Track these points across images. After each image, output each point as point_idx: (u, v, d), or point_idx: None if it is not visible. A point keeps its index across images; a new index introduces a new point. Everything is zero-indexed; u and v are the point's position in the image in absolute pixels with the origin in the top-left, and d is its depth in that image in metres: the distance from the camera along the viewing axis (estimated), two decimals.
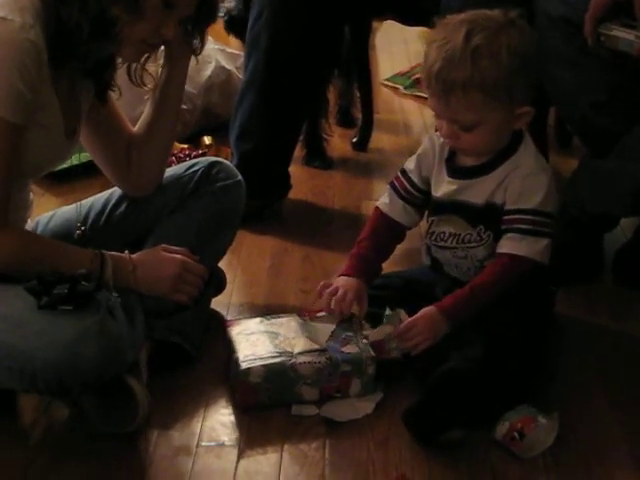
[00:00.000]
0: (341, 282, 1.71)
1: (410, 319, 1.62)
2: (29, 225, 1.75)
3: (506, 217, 1.63)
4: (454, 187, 1.68)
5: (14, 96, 1.45)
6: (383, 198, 1.80)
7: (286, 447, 1.53)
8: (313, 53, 2.31)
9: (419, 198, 1.76)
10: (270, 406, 1.62)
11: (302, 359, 1.62)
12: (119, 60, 1.66)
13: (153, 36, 1.58)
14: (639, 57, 1.70)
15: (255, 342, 1.67)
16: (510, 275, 1.63)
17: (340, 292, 1.69)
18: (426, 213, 1.77)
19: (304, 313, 1.77)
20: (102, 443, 1.53)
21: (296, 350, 1.64)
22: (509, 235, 1.62)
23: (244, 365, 1.61)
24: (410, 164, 1.77)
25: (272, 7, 2.25)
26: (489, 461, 1.50)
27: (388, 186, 1.80)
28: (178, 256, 1.71)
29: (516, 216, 1.62)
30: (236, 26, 2.58)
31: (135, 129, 1.79)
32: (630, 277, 2.06)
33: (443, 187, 1.70)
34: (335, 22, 2.38)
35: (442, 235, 1.71)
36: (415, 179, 1.76)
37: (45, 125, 1.56)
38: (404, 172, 1.77)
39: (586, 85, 1.88)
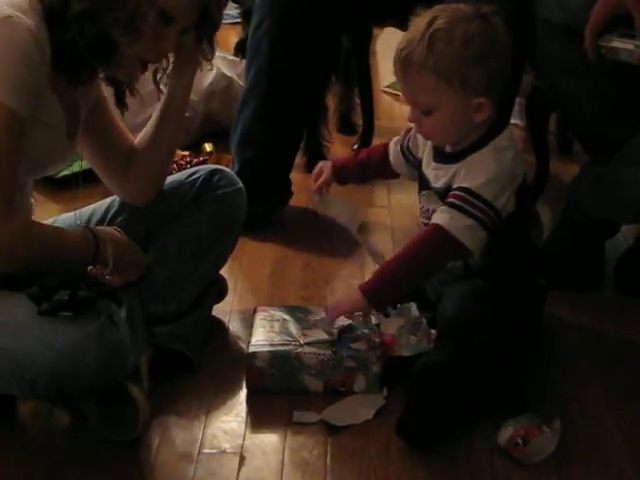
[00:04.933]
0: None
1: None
2: None
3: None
4: (430, 168, 1.72)
5: (20, 86, 1.44)
6: (399, 136, 1.86)
7: (287, 454, 1.53)
8: (314, 60, 2.32)
9: (409, 158, 1.82)
10: (275, 392, 1.66)
11: (308, 349, 1.66)
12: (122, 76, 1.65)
13: (152, 52, 1.57)
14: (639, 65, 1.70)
15: (272, 329, 1.73)
16: (425, 242, 1.63)
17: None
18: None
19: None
20: (103, 450, 1.53)
21: (305, 340, 1.68)
22: (440, 208, 1.64)
23: (251, 349, 1.68)
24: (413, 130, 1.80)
25: (273, 15, 2.25)
26: (491, 468, 1.50)
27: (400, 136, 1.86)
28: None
29: (453, 192, 1.63)
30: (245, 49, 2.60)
31: (138, 138, 1.79)
32: (631, 283, 2.06)
33: (429, 169, 1.73)
34: (336, 29, 2.39)
35: (427, 212, 1.72)
36: (411, 143, 1.81)
37: (48, 123, 1.55)
38: (409, 131, 1.82)
39: (588, 92, 1.88)
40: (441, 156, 1.70)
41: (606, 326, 1.92)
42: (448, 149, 1.69)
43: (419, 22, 1.60)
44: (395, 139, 1.86)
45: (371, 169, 1.90)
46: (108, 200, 1.85)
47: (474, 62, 1.57)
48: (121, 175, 1.78)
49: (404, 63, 1.59)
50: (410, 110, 1.65)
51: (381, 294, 1.64)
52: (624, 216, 1.98)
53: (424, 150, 1.76)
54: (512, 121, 2.31)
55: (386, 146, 1.87)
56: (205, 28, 1.64)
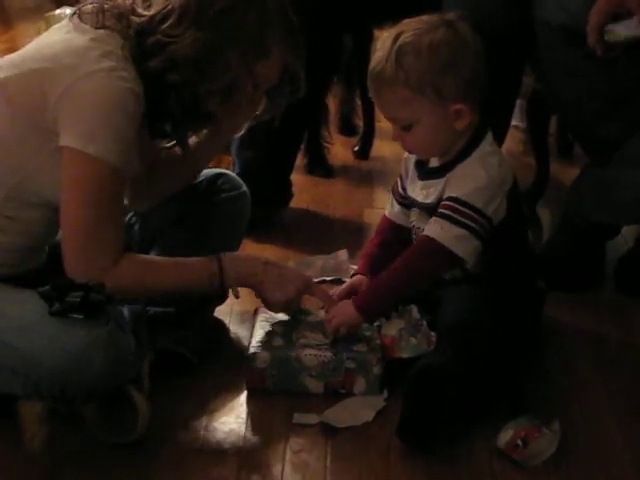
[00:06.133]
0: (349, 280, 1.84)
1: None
2: None
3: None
4: (418, 188, 1.72)
5: (125, 144, 1.48)
6: (388, 203, 1.86)
7: (288, 456, 1.53)
8: (315, 60, 2.31)
9: (406, 201, 1.80)
10: (276, 393, 1.66)
11: (308, 351, 1.66)
12: None
13: (239, 116, 1.64)
14: None
15: (273, 330, 1.74)
16: (418, 255, 1.64)
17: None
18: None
19: None
20: (102, 452, 1.53)
21: (306, 342, 1.69)
22: (431, 219, 1.65)
23: (252, 350, 1.68)
24: (401, 168, 1.81)
25: None
26: (491, 470, 1.50)
27: (391, 192, 1.85)
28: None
29: (442, 202, 1.64)
30: None
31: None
32: (632, 285, 2.07)
33: (416, 189, 1.73)
34: (336, 30, 2.39)
35: (419, 230, 1.73)
36: (403, 182, 1.80)
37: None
38: (400, 176, 1.81)
39: (587, 94, 1.89)
40: (427, 173, 1.71)
41: (606, 327, 1.93)
42: (434, 163, 1.70)
43: (386, 39, 1.61)
44: (387, 207, 1.85)
45: (390, 241, 1.83)
46: None
47: (444, 70, 1.58)
48: (140, 180, 1.77)
49: (376, 82, 1.61)
50: (392, 129, 1.66)
51: (374, 308, 1.67)
52: (624, 218, 1.98)
53: (408, 175, 1.76)
54: (513, 123, 2.31)
55: (383, 217, 1.86)
56: (285, 85, 1.66)
